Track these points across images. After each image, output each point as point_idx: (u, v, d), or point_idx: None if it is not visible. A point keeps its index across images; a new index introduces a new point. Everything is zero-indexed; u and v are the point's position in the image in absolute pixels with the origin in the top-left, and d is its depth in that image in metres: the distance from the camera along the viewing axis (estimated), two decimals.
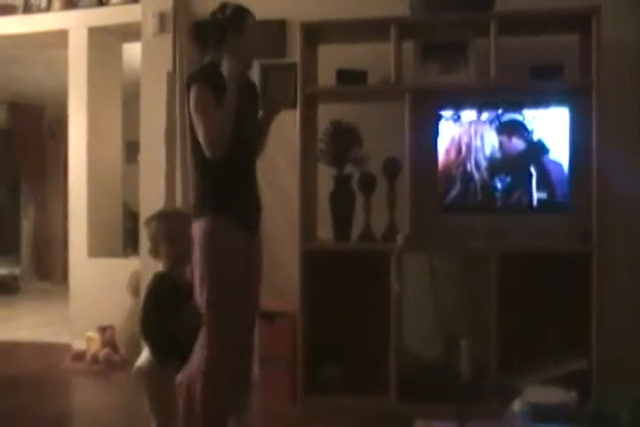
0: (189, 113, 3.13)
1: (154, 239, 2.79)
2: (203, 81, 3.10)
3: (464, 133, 3.96)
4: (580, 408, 2.82)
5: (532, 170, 3.88)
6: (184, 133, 4.68)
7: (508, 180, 3.91)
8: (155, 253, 2.79)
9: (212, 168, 3.12)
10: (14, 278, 9.16)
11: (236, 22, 3.17)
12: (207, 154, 3.05)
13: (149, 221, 2.85)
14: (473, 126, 3.95)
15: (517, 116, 3.90)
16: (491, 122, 3.93)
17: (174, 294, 2.74)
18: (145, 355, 2.72)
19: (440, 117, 3.99)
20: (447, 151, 3.98)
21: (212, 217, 3.10)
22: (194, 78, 3.17)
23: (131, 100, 5.83)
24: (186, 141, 4.60)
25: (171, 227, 2.81)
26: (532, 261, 3.83)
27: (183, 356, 2.78)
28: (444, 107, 4.01)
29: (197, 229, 3.08)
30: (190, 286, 2.92)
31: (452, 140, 3.98)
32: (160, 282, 2.74)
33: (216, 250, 3.08)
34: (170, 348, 2.70)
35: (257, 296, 3.36)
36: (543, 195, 3.87)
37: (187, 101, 3.14)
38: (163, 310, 2.65)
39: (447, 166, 3.99)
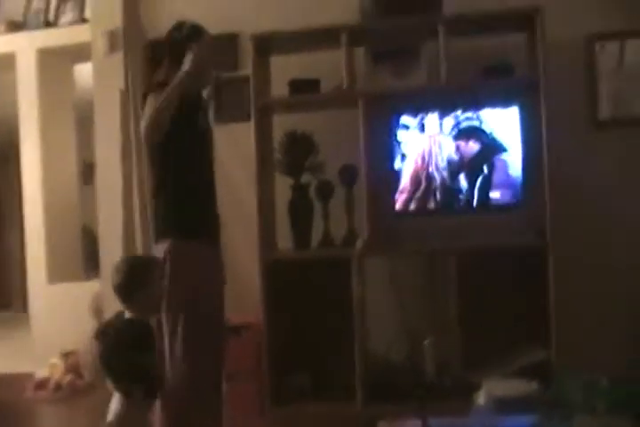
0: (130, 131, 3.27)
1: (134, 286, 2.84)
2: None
3: (418, 137, 4.13)
4: (540, 397, 2.96)
5: (487, 170, 4.06)
6: (140, 152, 4.78)
7: (464, 181, 4.08)
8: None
9: (174, 189, 3.19)
10: None
11: (193, 41, 3.22)
12: (143, 137, 3.12)
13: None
14: (427, 130, 4.12)
15: (470, 118, 4.07)
16: (445, 124, 4.10)
17: (150, 337, 2.78)
18: (114, 403, 2.76)
19: (394, 122, 4.15)
20: (403, 156, 4.15)
21: (179, 240, 3.16)
22: (150, 89, 3.25)
23: (85, 120, 5.89)
24: (142, 160, 4.74)
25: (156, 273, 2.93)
26: (490, 259, 3.98)
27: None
28: (397, 111, 4.16)
29: (163, 253, 3.12)
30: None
31: (407, 144, 4.14)
32: (136, 327, 2.78)
33: (187, 276, 3.13)
34: (150, 387, 2.80)
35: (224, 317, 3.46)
36: (498, 194, 4.05)
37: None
38: (141, 353, 2.71)
39: (403, 171, 4.15)
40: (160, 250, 3.14)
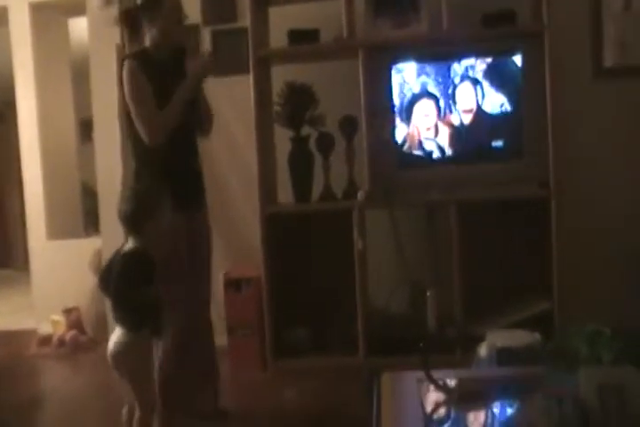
0: (123, 93, 3.22)
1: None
2: (134, 60, 3.19)
3: (418, 86, 4.05)
4: (543, 349, 2.93)
5: (488, 119, 3.99)
6: None
7: (464, 130, 4.01)
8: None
9: (150, 153, 3.18)
10: None
11: (152, 5, 3.22)
12: (145, 140, 3.13)
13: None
14: (427, 79, 4.04)
15: (471, 66, 3.99)
16: (445, 73, 4.01)
17: (151, 267, 2.75)
18: (116, 336, 2.74)
19: (393, 72, 4.07)
20: (402, 106, 4.07)
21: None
22: (128, 56, 3.27)
23: (81, 76, 5.82)
24: None
25: None
26: (491, 210, 3.93)
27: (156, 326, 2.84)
28: (397, 61, 4.08)
29: None
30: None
31: (407, 94, 4.06)
32: (140, 257, 2.76)
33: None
34: (148, 317, 2.77)
35: (207, 271, 3.44)
36: (499, 143, 3.99)
37: (120, 81, 3.23)
38: (149, 285, 2.69)
39: (403, 121, 4.07)
40: None
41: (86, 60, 5.22)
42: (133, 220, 2.76)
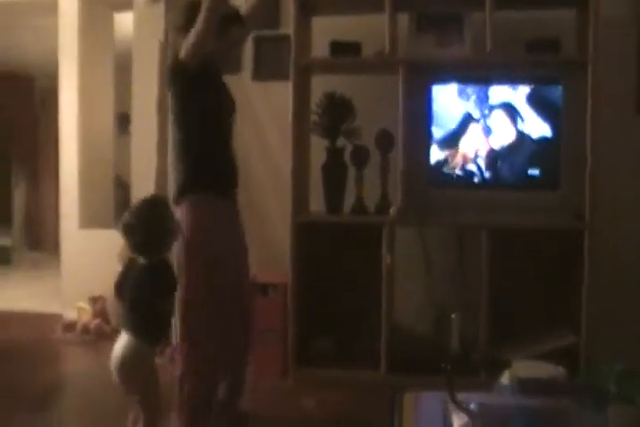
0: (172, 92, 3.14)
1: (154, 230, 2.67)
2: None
3: (458, 107, 3.94)
4: (568, 382, 2.83)
5: (526, 146, 3.86)
6: None
7: (502, 155, 3.89)
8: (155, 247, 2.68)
9: (193, 146, 3.07)
10: (6, 249, 9.13)
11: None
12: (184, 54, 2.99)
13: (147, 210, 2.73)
14: (467, 101, 3.93)
15: (512, 92, 3.87)
16: (484, 97, 3.90)
17: (171, 280, 2.70)
18: (122, 344, 2.66)
19: (433, 91, 3.96)
20: (441, 126, 3.96)
21: (199, 197, 3.05)
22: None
23: (123, 70, 5.77)
24: None
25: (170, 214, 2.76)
26: (523, 237, 3.83)
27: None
28: (438, 80, 3.97)
29: (185, 210, 3.00)
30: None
31: (447, 113, 3.95)
32: (160, 269, 2.68)
33: (207, 232, 3.01)
34: (164, 330, 2.70)
35: (247, 268, 3.33)
36: (535, 171, 3.86)
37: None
38: (162, 296, 2.63)
39: (440, 140, 3.96)
40: (183, 208, 3.02)
41: (129, 54, 5.17)
42: (150, 245, 2.67)
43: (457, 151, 3.94)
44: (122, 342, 2.67)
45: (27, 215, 9.56)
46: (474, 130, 3.91)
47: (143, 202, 2.74)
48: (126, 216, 2.67)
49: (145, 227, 2.62)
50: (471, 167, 3.93)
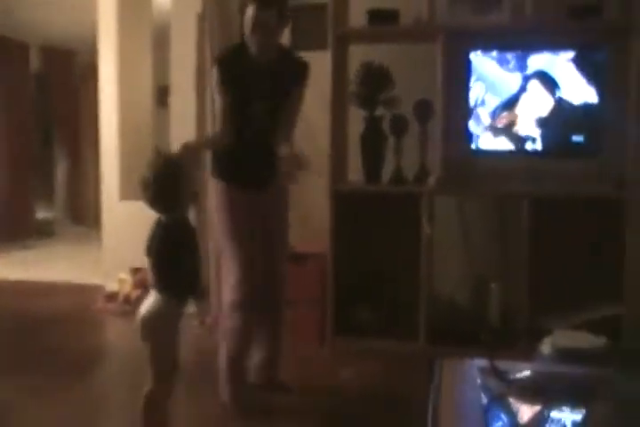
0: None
1: (175, 189, 2.61)
2: (220, 66, 3.17)
3: (498, 75, 3.85)
4: (608, 352, 2.78)
5: (567, 113, 3.76)
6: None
7: (543, 123, 3.80)
8: (170, 204, 2.64)
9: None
10: (49, 222, 9.22)
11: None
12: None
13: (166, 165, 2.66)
14: (507, 68, 3.84)
15: (553, 58, 3.77)
16: (527, 64, 3.80)
17: (192, 238, 2.68)
18: (148, 302, 2.63)
19: (471, 59, 3.87)
20: (480, 93, 3.87)
21: (218, 181, 3.28)
22: (217, 60, 3.27)
23: (161, 43, 5.74)
24: None
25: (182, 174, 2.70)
26: (564, 206, 3.72)
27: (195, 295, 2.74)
28: (477, 48, 3.88)
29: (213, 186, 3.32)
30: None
31: (486, 81, 3.86)
32: (175, 226, 2.65)
33: (222, 208, 3.25)
34: (187, 285, 2.67)
35: (271, 243, 3.35)
36: (578, 138, 3.76)
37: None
38: (183, 254, 2.60)
39: (481, 109, 3.88)
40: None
41: (167, 27, 5.13)
42: (164, 204, 2.61)
43: (498, 120, 3.86)
44: (149, 299, 2.65)
45: (69, 189, 9.62)
46: (514, 98, 3.82)
47: (156, 159, 2.72)
48: (144, 172, 2.65)
49: (155, 183, 2.60)
50: (511, 136, 3.85)
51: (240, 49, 3.16)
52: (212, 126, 4.62)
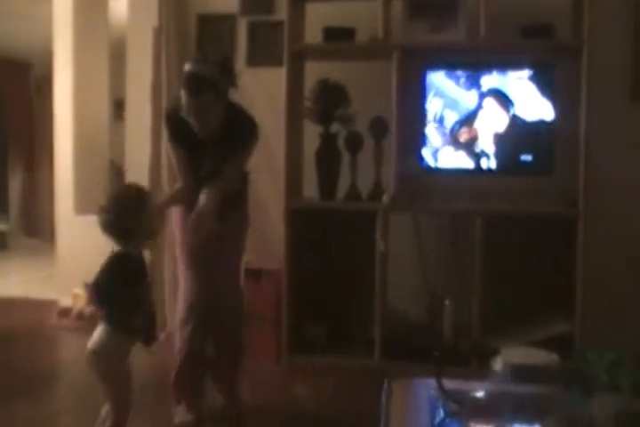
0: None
1: (136, 218, 2.60)
2: (167, 125, 3.22)
3: (455, 92, 3.88)
4: (560, 370, 2.80)
5: (519, 132, 3.80)
6: (170, 90, 4.60)
7: (495, 141, 3.83)
8: (127, 232, 2.60)
9: None
10: (2, 235, 9.08)
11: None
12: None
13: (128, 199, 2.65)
14: (463, 86, 3.87)
15: (505, 77, 3.81)
16: (481, 82, 3.84)
17: (142, 271, 2.66)
18: (97, 336, 2.59)
19: (427, 77, 3.90)
20: (439, 109, 3.90)
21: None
22: (165, 118, 3.30)
23: (118, 56, 5.70)
24: (171, 98, 4.55)
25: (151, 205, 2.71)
26: (517, 224, 3.76)
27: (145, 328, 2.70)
28: (432, 66, 3.90)
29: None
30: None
31: (444, 97, 3.89)
32: (129, 261, 2.61)
33: (179, 226, 3.25)
34: (135, 319, 2.63)
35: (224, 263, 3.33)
36: (528, 157, 3.80)
37: None
38: (130, 286, 2.57)
39: (434, 127, 3.91)
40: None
41: (123, 40, 5.09)
42: (120, 231, 2.59)
43: (459, 134, 3.88)
44: (96, 332, 2.61)
45: (23, 201, 9.50)
46: (472, 115, 3.86)
47: (125, 187, 2.72)
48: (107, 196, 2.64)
49: (115, 208, 2.58)
50: (464, 153, 3.88)
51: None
52: (169, 172, 4.59)
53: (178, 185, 3.23)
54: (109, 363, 2.60)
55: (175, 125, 3.14)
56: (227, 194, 3.11)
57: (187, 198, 3.14)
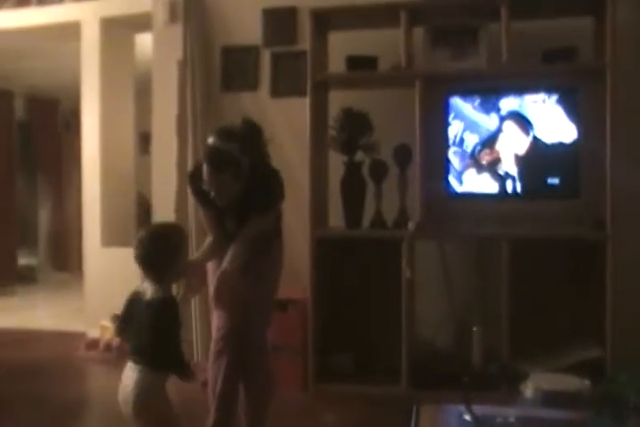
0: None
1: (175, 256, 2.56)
2: (190, 184, 3.20)
3: (475, 120, 3.88)
4: (591, 395, 2.76)
5: (542, 154, 3.79)
6: (195, 123, 4.66)
7: (517, 163, 3.82)
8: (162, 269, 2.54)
9: None
10: (31, 269, 9.14)
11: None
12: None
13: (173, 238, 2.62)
14: (484, 110, 3.87)
15: (530, 102, 3.81)
16: (503, 108, 3.84)
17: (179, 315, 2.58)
18: (135, 378, 2.48)
19: (450, 104, 3.91)
20: (459, 132, 3.90)
21: None
22: (189, 177, 3.31)
23: (144, 90, 5.78)
24: (197, 131, 4.59)
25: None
26: (544, 248, 3.73)
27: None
28: (455, 93, 3.92)
29: None
30: None
31: (464, 120, 3.89)
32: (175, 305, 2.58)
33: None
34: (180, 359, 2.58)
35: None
36: (554, 180, 3.78)
37: None
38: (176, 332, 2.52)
39: (458, 153, 3.91)
40: None
41: (149, 74, 5.15)
42: (158, 268, 2.51)
43: (481, 156, 3.88)
44: (133, 374, 2.50)
45: (52, 235, 9.57)
46: (487, 138, 3.87)
47: (161, 224, 2.73)
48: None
49: (144, 252, 2.54)
50: (494, 173, 3.87)
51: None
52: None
53: (208, 240, 3.20)
54: (162, 406, 2.52)
55: (198, 187, 3.06)
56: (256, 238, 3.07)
57: (217, 253, 3.11)
